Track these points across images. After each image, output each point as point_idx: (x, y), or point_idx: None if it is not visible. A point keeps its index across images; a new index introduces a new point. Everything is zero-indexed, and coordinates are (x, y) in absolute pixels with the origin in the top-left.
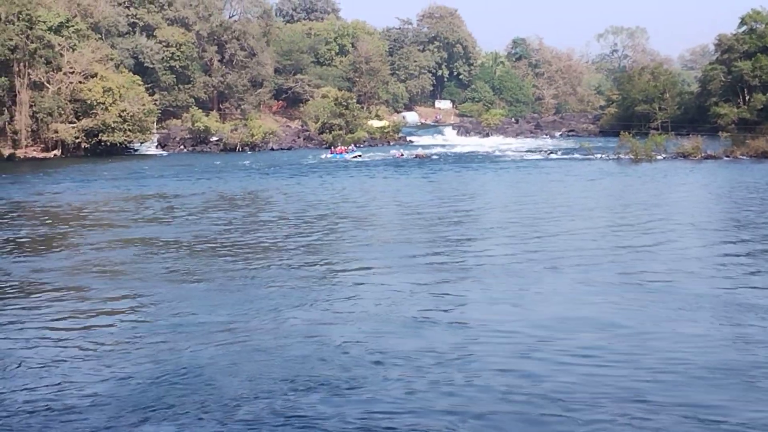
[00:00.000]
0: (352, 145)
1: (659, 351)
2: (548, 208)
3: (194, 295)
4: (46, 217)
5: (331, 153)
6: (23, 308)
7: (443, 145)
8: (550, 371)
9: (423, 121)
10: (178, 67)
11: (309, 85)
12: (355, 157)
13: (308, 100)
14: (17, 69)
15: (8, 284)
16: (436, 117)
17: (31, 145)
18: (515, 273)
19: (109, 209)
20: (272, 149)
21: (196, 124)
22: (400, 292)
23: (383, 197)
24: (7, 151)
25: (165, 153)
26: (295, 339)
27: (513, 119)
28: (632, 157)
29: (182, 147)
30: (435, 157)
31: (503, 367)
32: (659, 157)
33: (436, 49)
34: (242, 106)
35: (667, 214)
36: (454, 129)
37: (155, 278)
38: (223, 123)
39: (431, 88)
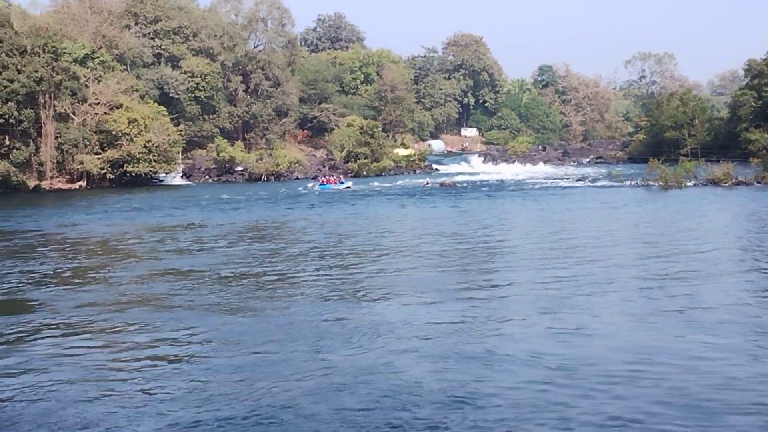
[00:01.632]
0: (341, 175)
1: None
2: (580, 237)
3: (246, 330)
4: (78, 249)
5: (321, 183)
6: (79, 346)
7: (470, 173)
8: (649, 409)
9: (449, 149)
10: (203, 97)
11: (334, 114)
12: (347, 188)
13: (333, 129)
14: (43, 101)
15: (57, 320)
16: (463, 145)
17: (57, 177)
18: (560, 303)
19: (138, 240)
20: (297, 178)
21: (221, 154)
22: (451, 324)
23: (413, 227)
24: (32, 183)
25: (190, 183)
26: (362, 377)
27: (540, 146)
28: (661, 184)
29: (207, 177)
30: (461, 185)
31: (595, 410)
32: (689, 184)
33: (461, 77)
34: (267, 136)
35: (702, 241)
36: (480, 157)
37: (202, 311)
38: (248, 153)
39: (457, 116)
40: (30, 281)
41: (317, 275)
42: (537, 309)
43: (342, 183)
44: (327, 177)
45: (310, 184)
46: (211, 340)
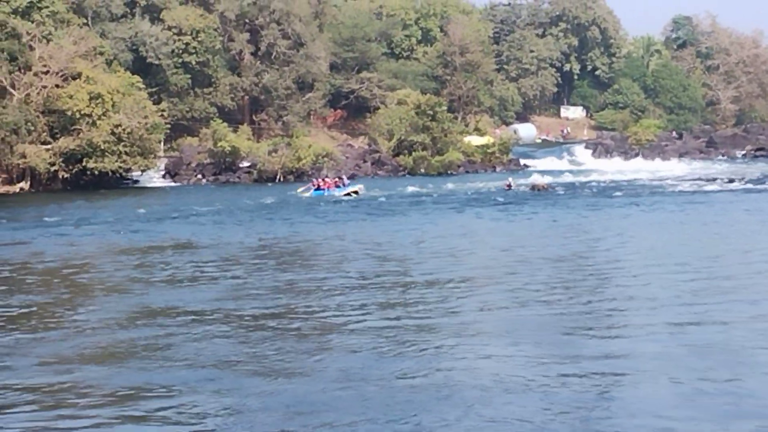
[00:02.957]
0: (344, 176)
1: None
2: (739, 271)
3: (290, 399)
4: (24, 280)
5: (315, 187)
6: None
7: (573, 171)
8: None
9: (543, 137)
10: (194, 63)
11: (379, 87)
12: (350, 194)
13: (378, 108)
14: None
15: (8, 387)
16: (563, 130)
17: None
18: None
19: (107, 266)
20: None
21: (219, 144)
22: (573, 391)
23: (493, 248)
24: None
25: (175, 184)
26: None
27: (674, 133)
28: None
29: (199, 176)
30: (562, 188)
31: None
32: None
33: (561, 34)
34: (284, 118)
35: None
36: (588, 148)
37: (209, 369)
38: (258, 142)
39: (555, 90)
40: None
41: (366, 316)
42: (685, 374)
43: (343, 186)
44: (323, 179)
45: (300, 189)
46: (240, 420)
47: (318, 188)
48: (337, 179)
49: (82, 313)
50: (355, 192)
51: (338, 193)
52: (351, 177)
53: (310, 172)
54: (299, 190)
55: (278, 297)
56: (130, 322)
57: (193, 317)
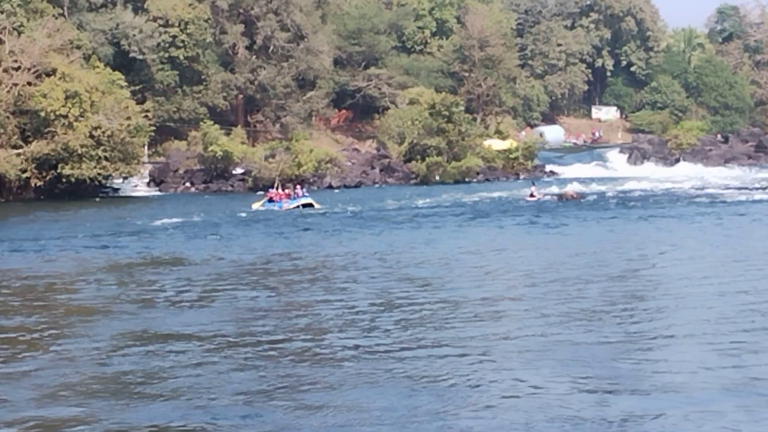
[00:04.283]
0: (298, 186)
1: None
2: None
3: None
4: None
5: (270, 200)
6: None
7: (606, 179)
8: None
9: (573, 141)
10: (182, 58)
11: (389, 85)
12: (299, 206)
13: (388, 108)
14: None
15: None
16: (594, 133)
17: None
18: None
19: (88, 286)
20: (330, 186)
21: (210, 149)
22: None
23: (515, 264)
24: None
25: (161, 193)
26: None
27: (719, 136)
28: None
29: (188, 184)
30: (593, 197)
31: None
32: None
33: (593, 26)
34: (283, 119)
35: None
36: (622, 153)
37: (219, 399)
38: (253, 146)
39: (585, 88)
40: None
41: (383, 340)
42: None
43: (296, 198)
44: (275, 191)
45: (255, 204)
46: None
47: (270, 200)
48: (285, 191)
49: (63, 339)
50: (310, 204)
51: (287, 205)
52: (357, 185)
53: (311, 180)
54: (255, 205)
55: (288, 319)
56: (117, 349)
57: (189, 343)
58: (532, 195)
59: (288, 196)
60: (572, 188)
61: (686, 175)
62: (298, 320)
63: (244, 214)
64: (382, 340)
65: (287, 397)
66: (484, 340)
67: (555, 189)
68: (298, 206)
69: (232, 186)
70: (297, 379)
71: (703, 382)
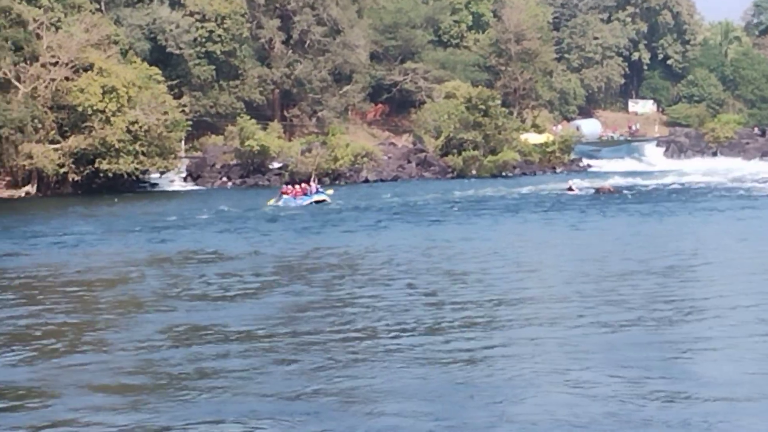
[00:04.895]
0: (313, 183)
1: None
2: None
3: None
4: (35, 294)
5: (286, 195)
6: None
7: (643, 173)
8: None
9: (609, 134)
10: (219, 53)
11: (425, 79)
12: (313, 202)
13: (424, 102)
14: None
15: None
16: (631, 127)
17: None
18: None
19: (128, 280)
20: (367, 181)
21: (246, 143)
22: None
23: (557, 258)
24: None
25: (198, 188)
26: None
27: (756, 129)
28: None
29: (225, 179)
30: (630, 191)
31: None
32: None
33: (629, 19)
34: (320, 114)
35: None
36: (659, 146)
37: (267, 397)
38: (290, 140)
39: (622, 81)
40: None
41: (435, 337)
42: None
43: (309, 195)
44: (290, 187)
45: (270, 201)
46: None
47: (286, 195)
48: (301, 187)
49: (107, 334)
50: (319, 201)
51: (301, 202)
52: (393, 179)
53: (347, 174)
54: (271, 202)
55: (330, 315)
56: (162, 344)
57: (234, 338)
58: (571, 189)
59: (303, 192)
60: (608, 182)
61: (723, 168)
62: (342, 316)
63: (269, 210)
64: (428, 337)
65: (335, 394)
66: (533, 336)
67: (592, 183)
68: (311, 203)
69: (268, 180)
70: (344, 376)
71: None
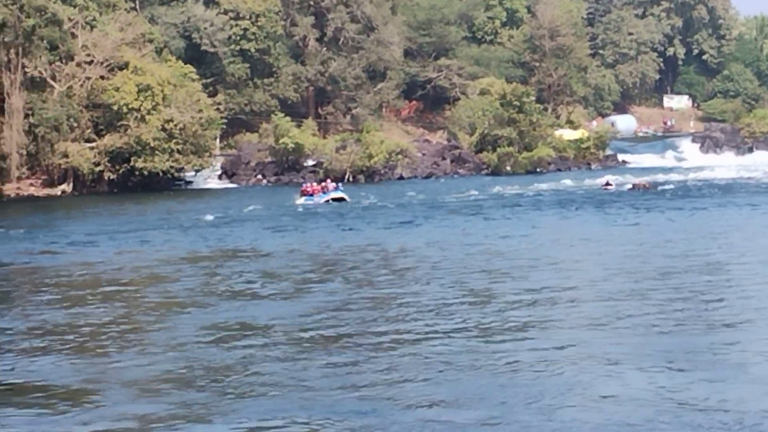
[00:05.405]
0: (328, 180)
1: None
2: None
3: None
4: (77, 293)
5: (305, 193)
6: None
7: (678, 169)
8: None
9: (644, 130)
10: (253, 51)
11: (459, 75)
12: (330, 200)
13: (458, 98)
14: (6, 58)
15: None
16: (666, 122)
17: (27, 177)
18: None
19: (167, 278)
20: (401, 178)
21: (281, 141)
22: None
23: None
24: None
25: (233, 185)
26: None
27: None
28: None
29: (259, 176)
30: (665, 187)
31: None
32: None
33: (664, 14)
34: (354, 111)
35: None
36: (695, 142)
37: (320, 395)
38: (324, 138)
39: (657, 77)
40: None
41: (482, 336)
42: None
43: (327, 192)
44: (311, 185)
45: (299, 199)
46: None
47: (307, 193)
48: (319, 186)
49: (149, 332)
50: (335, 199)
51: (318, 199)
52: (428, 176)
53: (382, 172)
54: (299, 200)
55: (369, 314)
56: (205, 342)
57: (276, 336)
58: (608, 184)
59: (322, 190)
60: (644, 178)
61: (760, 164)
62: (382, 315)
63: (301, 208)
64: (471, 337)
65: (377, 395)
66: (579, 337)
67: (628, 178)
68: (329, 200)
69: (303, 178)
70: (388, 372)
71: None
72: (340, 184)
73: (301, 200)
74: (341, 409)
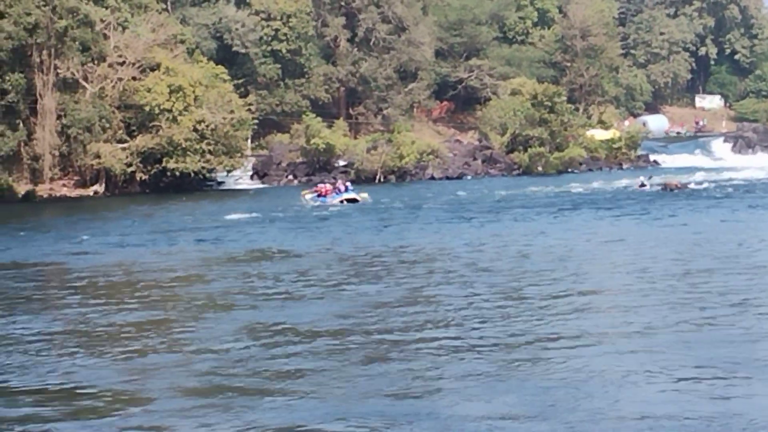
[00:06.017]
0: (340, 181)
1: None
2: None
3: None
4: (115, 293)
5: (317, 194)
6: None
7: (711, 169)
8: None
9: (676, 130)
10: (284, 51)
11: (491, 76)
12: (343, 201)
13: (490, 99)
14: (38, 60)
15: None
16: (698, 122)
17: (60, 177)
18: None
19: (203, 278)
20: (432, 178)
21: (312, 141)
22: None
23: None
24: (23, 188)
25: (265, 186)
26: None
27: None
28: None
29: (291, 177)
30: (698, 186)
31: None
32: None
33: (696, 14)
34: (385, 111)
35: None
36: (727, 142)
37: (357, 398)
38: (355, 138)
39: (689, 77)
40: (45, 348)
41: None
42: None
43: (339, 193)
44: (323, 185)
45: (308, 195)
46: None
47: (319, 193)
48: (337, 185)
49: (187, 333)
50: (354, 199)
51: (331, 200)
52: (459, 176)
53: (413, 172)
54: (308, 196)
55: (405, 314)
56: (243, 343)
57: (313, 337)
58: (642, 184)
59: (334, 190)
60: (676, 178)
61: None
62: (417, 314)
63: (328, 210)
64: (509, 337)
65: (414, 395)
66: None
67: (662, 179)
68: (341, 201)
69: (334, 178)
70: (424, 375)
71: None
72: (350, 185)
73: (309, 200)
74: (374, 410)
